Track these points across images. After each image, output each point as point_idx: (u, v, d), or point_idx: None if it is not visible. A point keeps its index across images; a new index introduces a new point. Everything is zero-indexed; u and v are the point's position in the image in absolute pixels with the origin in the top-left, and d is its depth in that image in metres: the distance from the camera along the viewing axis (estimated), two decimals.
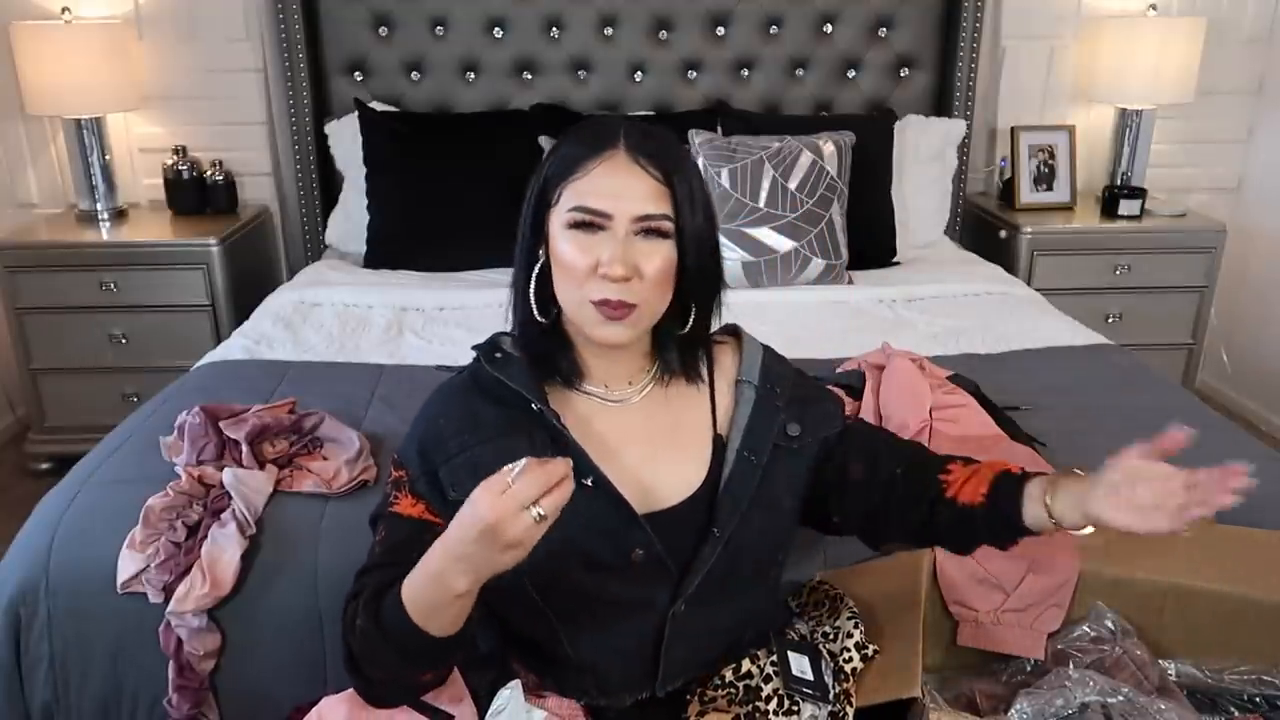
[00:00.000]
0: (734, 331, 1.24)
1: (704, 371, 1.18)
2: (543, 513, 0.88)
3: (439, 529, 1.00)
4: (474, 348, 1.15)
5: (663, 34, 3.03)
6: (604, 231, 1.04)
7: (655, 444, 1.14)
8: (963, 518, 1.13)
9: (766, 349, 1.22)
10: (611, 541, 1.07)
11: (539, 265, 1.10)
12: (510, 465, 0.90)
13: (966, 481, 1.14)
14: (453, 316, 2.45)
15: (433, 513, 1.07)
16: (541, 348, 1.12)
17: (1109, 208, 3.09)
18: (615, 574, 1.08)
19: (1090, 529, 1.06)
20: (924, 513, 1.16)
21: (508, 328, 1.18)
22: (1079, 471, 1.08)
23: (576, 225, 1.04)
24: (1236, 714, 1.11)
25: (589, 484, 1.06)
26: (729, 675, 1.14)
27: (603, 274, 1.03)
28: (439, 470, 1.07)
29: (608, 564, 1.07)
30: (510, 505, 0.88)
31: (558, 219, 1.06)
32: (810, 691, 1.11)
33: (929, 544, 1.29)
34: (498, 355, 1.12)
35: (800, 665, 1.13)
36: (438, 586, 0.95)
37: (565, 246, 1.05)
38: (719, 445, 1.15)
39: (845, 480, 1.19)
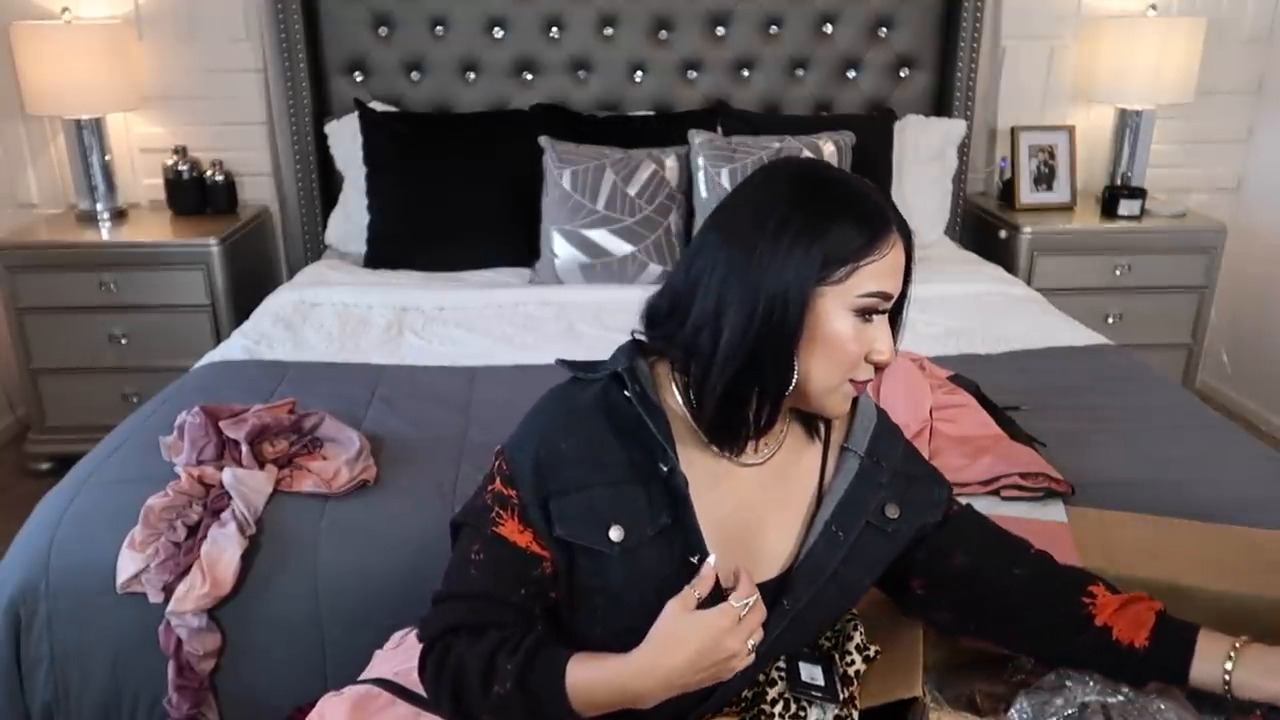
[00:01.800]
0: None
1: (821, 429, 1.13)
2: (755, 644, 0.93)
3: (544, 563, 1.00)
4: (619, 370, 1.03)
5: (663, 34, 3.03)
6: (877, 314, 0.99)
7: (766, 510, 1.08)
8: (1117, 654, 1.08)
9: (881, 415, 1.15)
10: None
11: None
12: (739, 599, 0.93)
13: (1119, 612, 1.09)
14: (453, 316, 2.45)
15: (540, 544, 1.00)
16: (738, 411, 1.01)
17: (1109, 208, 3.09)
18: None
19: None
20: (1060, 631, 1.11)
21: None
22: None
23: (864, 310, 0.97)
24: (1236, 714, 1.10)
25: (695, 561, 1.00)
26: None
27: (878, 360, 1.00)
28: (550, 500, 1.00)
29: None
30: (743, 639, 0.92)
31: (840, 299, 0.96)
32: (819, 695, 1.11)
33: (1059, 664, 1.15)
34: (637, 388, 1.02)
35: (810, 673, 1.12)
36: (628, 698, 0.95)
37: (844, 329, 0.97)
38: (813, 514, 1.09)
39: (944, 567, 1.13)
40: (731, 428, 1.02)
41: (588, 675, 0.95)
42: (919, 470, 1.16)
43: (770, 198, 0.99)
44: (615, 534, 0.99)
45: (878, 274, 0.97)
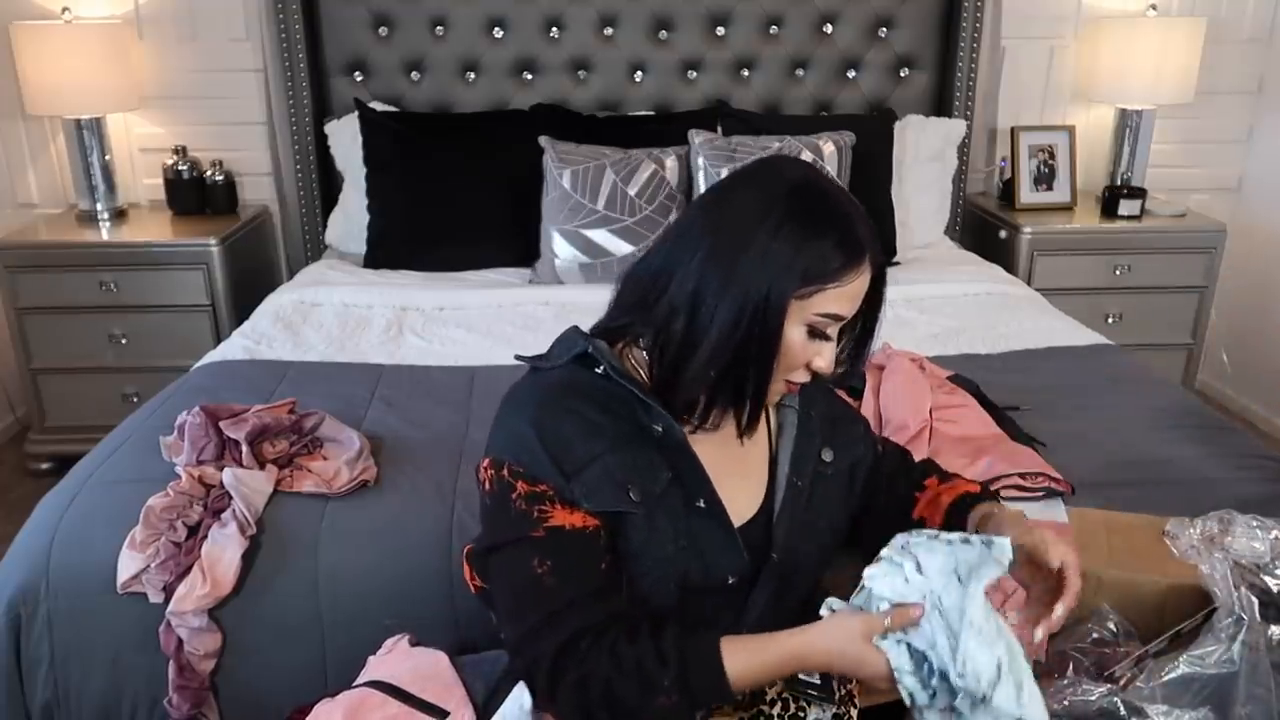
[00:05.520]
0: None
1: None
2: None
3: (600, 530, 1.01)
4: (586, 354, 1.07)
5: (663, 34, 3.03)
6: (826, 333, 1.03)
7: (729, 462, 1.12)
8: None
9: None
10: (709, 565, 1.05)
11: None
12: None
13: (929, 504, 1.22)
14: (453, 316, 2.45)
15: (590, 517, 1.01)
16: (718, 403, 1.05)
17: (1109, 208, 3.09)
18: (699, 596, 1.06)
19: None
20: (896, 529, 1.21)
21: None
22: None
23: (815, 327, 1.01)
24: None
25: (700, 505, 1.05)
26: None
27: (815, 370, 1.04)
28: (571, 480, 1.01)
29: (698, 586, 1.05)
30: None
31: (799, 313, 1.00)
32: (816, 693, 1.11)
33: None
34: (608, 364, 1.06)
35: (807, 670, 1.13)
36: (785, 673, 1.00)
37: (796, 340, 1.01)
38: (772, 465, 1.15)
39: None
40: (704, 414, 1.05)
41: (745, 660, 0.97)
42: (840, 412, 1.23)
43: (769, 198, 1.00)
44: (635, 494, 1.02)
45: (838, 298, 1.00)
